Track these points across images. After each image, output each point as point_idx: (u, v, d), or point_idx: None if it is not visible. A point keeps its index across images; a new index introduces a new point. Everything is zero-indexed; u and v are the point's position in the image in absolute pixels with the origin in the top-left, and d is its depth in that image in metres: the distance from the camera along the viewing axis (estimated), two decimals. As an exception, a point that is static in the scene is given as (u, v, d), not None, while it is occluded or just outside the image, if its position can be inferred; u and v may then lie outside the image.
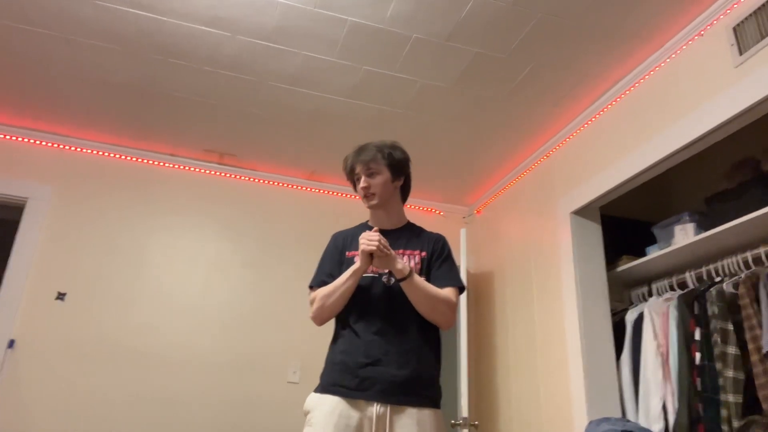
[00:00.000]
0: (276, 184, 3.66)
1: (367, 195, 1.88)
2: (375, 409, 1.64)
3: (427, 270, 1.84)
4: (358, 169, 1.88)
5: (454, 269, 1.88)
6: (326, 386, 1.72)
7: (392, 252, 1.70)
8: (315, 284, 1.87)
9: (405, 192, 1.98)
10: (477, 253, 3.77)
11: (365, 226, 1.97)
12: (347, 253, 1.89)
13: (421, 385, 1.69)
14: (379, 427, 1.63)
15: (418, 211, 3.89)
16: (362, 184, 1.87)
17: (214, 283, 3.32)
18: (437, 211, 3.94)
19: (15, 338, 2.88)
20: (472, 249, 3.75)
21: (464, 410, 2.93)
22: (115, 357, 3.00)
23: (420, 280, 1.74)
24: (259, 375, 3.20)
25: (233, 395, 3.13)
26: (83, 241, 3.16)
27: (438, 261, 1.86)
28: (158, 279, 3.23)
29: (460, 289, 1.84)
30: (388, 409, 1.64)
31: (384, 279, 1.80)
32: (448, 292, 1.79)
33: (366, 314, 1.76)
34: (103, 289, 3.11)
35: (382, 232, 1.89)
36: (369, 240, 1.68)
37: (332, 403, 1.66)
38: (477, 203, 3.88)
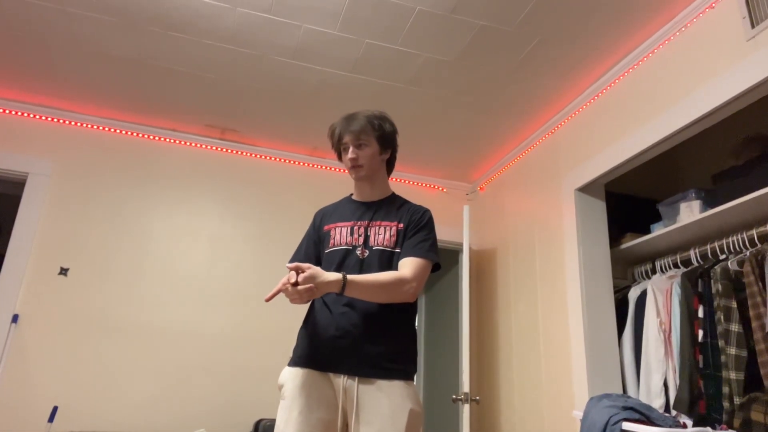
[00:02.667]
0: (278, 159, 3.63)
1: (355, 166, 1.83)
2: (342, 381, 1.64)
3: (402, 242, 1.78)
4: (347, 138, 1.81)
5: (425, 242, 1.77)
6: (297, 359, 1.73)
7: (317, 280, 1.55)
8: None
9: (390, 164, 1.94)
10: (480, 230, 3.76)
11: (348, 200, 1.95)
12: (324, 227, 1.88)
13: (391, 358, 1.67)
14: (347, 399, 1.63)
15: (420, 187, 3.86)
16: (350, 155, 1.81)
17: (217, 258, 3.33)
18: (440, 188, 3.92)
19: (19, 313, 2.89)
20: (475, 226, 3.74)
21: (465, 385, 2.96)
22: (118, 331, 3.02)
23: (359, 279, 1.63)
24: (262, 349, 3.22)
25: (236, 369, 3.15)
26: (85, 216, 3.16)
27: (411, 232, 1.78)
28: (160, 253, 3.23)
29: (429, 260, 1.74)
30: (356, 380, 1.63)
31: (358, 252, 1.77)
32: (405, 265, 1.70)
33: None
34: (106, 264, 3.11)
35: (364, 204, 1.87)
36: (292, 293, 1.56)
37: (303, 375, 1.67)
38: (480, 180, 3.85)
